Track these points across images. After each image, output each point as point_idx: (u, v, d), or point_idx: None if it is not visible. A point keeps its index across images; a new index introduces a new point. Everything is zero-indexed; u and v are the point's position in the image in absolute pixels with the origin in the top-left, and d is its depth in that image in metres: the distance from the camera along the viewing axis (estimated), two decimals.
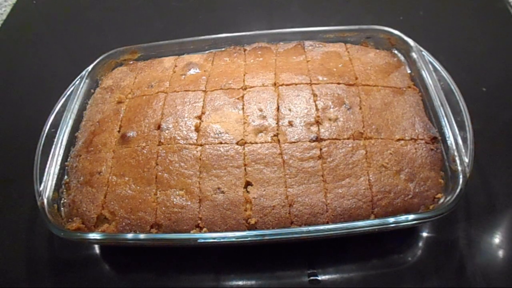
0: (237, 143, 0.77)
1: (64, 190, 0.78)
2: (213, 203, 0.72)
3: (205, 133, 0.79)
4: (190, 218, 0.71)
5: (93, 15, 1.32)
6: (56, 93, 0.90)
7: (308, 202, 0.71)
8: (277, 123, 0.79)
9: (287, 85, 0.85)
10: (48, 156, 0.79)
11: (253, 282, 0.74)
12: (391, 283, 0.72)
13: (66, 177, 0.79)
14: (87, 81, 0.92)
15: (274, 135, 0.78)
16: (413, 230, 0.78)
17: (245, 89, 0.86)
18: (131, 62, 0.99)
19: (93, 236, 0.70)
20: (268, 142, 0.77)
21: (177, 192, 0.74)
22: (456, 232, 0.77)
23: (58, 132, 0.83)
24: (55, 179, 0.77)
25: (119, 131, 0.83)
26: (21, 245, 0.81)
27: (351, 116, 0.79)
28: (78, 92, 0.89)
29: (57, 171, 0.78)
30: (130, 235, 0.70)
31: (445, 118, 0.77)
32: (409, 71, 0.89)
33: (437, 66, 0.86)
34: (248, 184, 0.73)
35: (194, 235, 0.69)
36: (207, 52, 0.98)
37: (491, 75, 1.02)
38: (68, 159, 0.81)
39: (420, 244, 0.76)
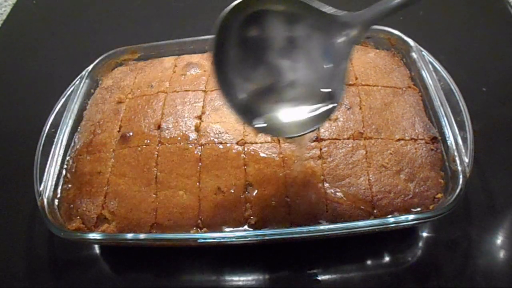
0: (237, 143, 0.77)
1: (64, 190, 0.78)
2: (213, 203, 0.72)
3: (205, 133, 0.79)
4: (190, 218, 0.72)
5: (93, 15, 1.32)
6: (56, 93, 0.90)
7: (308, 202, 0.71)
8: None
9: None
10: (48, 156, 0.79)
11: (253, 282, 0.74)
12: (391, 283, 0.72)
13: (66, 177, 0.79)
14: (87, 81, 0.92)
15: None
16: (413, 230, 0.78)
17: None
18: (131, 62, 0.99)
19: (93, 236, 0.70)
20: (268, 142, 0.77)
21: (177, 192, 0.74)
22: (456, 232, 0.77)
23: (58, 132, 0.83)
24: (55, 179, 0.77)
25: (119, 131, 0.83)
26: (21, 245, 0.81)
27: (351, 116, 0.79)
28: (78, 92, 0.89)
29: (57, 171, 0.78)
30: (130, 235, 0.70)
31: (445, 118, 0.77)
32: (409, 71, 0.89)
33: (437, 66, 0.86)
34: (248, 184, 0.73)
35: (194, 235, 0.69)
36: (207, 52, 0.98)
37: (491, 75, 1.01)
38: (68, 159, 0.81)
39: (420, 244, 0.76)
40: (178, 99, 0.85)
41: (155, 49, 0.99)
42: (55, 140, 0.81)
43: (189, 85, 0.88)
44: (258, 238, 0.68)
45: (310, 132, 0.59)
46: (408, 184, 0.73)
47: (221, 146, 0.77)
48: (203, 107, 0.83)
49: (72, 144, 0.84)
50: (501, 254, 0.75)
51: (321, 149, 0.75)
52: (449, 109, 0.78)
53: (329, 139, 0.76)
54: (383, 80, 0.86)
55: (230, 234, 0.69)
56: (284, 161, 0.74)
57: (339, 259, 0.75)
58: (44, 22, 1.35)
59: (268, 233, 0.68)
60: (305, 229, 0.68)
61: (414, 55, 0.88)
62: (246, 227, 0.70)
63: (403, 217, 0.68)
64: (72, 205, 0.76)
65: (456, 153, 0.73)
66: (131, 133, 0.81)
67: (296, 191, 0.72)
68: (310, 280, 0.73)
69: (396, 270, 0.74)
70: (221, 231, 0.70)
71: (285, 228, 0.70)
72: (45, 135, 0.83)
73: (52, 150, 0.80)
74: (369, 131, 0.78)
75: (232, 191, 0.72)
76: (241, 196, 0.72)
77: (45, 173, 0.77)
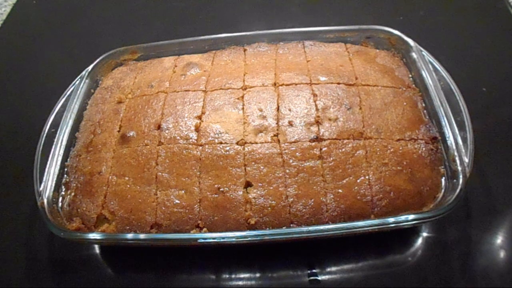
0: (237, 143, 0.77)
1: (64, 190, 0.78)
2: (213, 203, 0.72)
3: (205, 133, 0.79)
4: (190, 218, 0.72)
5: (93, 15, 1.32)
6: (56, 93, 0.90)
7: (308, 202, 0.71)
8: (277, 123, 0.79)
9: (287, 85, 0.85)
10: (48, 156, 0.79)
11: (253, 282, 0.74)
12: (391, 283, 0.72)
13: (66, 177, 0.79)
14: (87, 81, 0.92)
15: (274, 135, 0.78)
16: (413, 230, 0.78)
17: (245, 89, 0.86)
18: (131, 62, 0.99)
19: (93, 236, 0.70)
20: (268, 142, 0.77)
21: (177, 192, 0.74)
22: (456, 232, 0.77)
23: (58, 132, 0.83)
24: (55, 179, 0.77)
25: (119, 131, 0.83)
26: (21, 245, 0.81)
27: (351, 116, 0.79)
28: (78, 92, 0.89)
29: (57, 171, 0.78)
30: (130, 235, 0.70)
31: (445, 118, 0.77)
32: (409, 71, 0.89)
33: (437, 66, 0.86)
34: (248, 184, 0.73)
35: (194, 235, 0.69)
36: (207, 52, 0.98)
37: (491, 75, 1.02)
38: (68, 159, 0.81)
39: (420, 244, 0.76)
40: (178, 99, 0.85)
41: (155, 49, 0.99)
42: (55, 140, 0.82)
43: (189, 85, 0.88)
44: (258, 238, 0.68)
45: None
46: (408, 184, 0.73)
47: (221, 146, 0.77)
48: (203, 107, 0.83)
49: (72, 144, 0.84)
50: (501, 254, 0.75)
51: (321, 149, 0.75)
52: (449, 109, 0.78)
53: (329, 139, 0.76)
54: (383, 80, 0.86)
55: (230, 234, 0.69)
56: (284, 161, 0.74)
57: (339, 259, 0.75)
58: (44, 22, 1.35)
59: (268, 233, 0.68)
60: (305, 229, 0.68)
61: (414, 55, 0.88)
62: (246, 227, 0.70)
63: (403, 217, 0.68)
64: (72, 205, 0.76)
65: (456, 153, 0.73)
66: (131, 133, 0.81)
67: (296, 191, 0.72)
68: (310, 280, 0.73)
69: (396, 270, 0.74)
70: (221, 231, 0.70)
71: (285, 228, 0.70)
72: (45, 135, 0.83)
73: (52, 150, 0.80)
74: (369, 131, 0.78)
75: (232, 191, 0.72)
76: (241, 196, 0.72)
77: (45, 173, 0.77)
